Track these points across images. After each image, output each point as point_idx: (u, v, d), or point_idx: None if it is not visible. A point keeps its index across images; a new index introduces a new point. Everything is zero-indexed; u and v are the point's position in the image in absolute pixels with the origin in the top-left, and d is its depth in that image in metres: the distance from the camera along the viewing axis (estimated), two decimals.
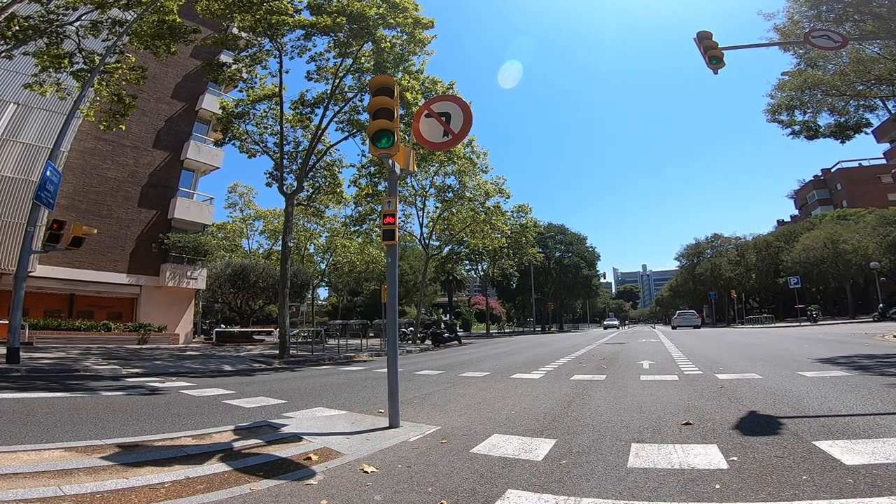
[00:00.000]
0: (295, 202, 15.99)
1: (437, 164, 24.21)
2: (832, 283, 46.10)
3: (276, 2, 13.92)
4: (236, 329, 27.87)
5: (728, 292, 54.05)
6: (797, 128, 14.88)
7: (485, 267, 43.45)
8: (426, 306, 44.82)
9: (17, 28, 11.73)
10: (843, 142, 14.79)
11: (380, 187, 19.98)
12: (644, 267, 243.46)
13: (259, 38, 15.40)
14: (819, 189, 65.42)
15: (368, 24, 14.44)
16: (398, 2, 14.48)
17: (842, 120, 14.46)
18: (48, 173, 10.60)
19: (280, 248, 20.99)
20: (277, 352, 14.77)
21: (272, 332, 27.94)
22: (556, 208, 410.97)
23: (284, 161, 16.43)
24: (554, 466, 3.02)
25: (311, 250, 43.18)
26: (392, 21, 14.71)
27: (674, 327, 38.02)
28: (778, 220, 76.61)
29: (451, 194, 26.72)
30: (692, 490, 2.50)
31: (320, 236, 41.83)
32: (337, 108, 16.63)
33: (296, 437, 3.98)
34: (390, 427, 4.26)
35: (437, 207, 27.74)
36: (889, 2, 11.81)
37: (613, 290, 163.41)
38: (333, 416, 5.06)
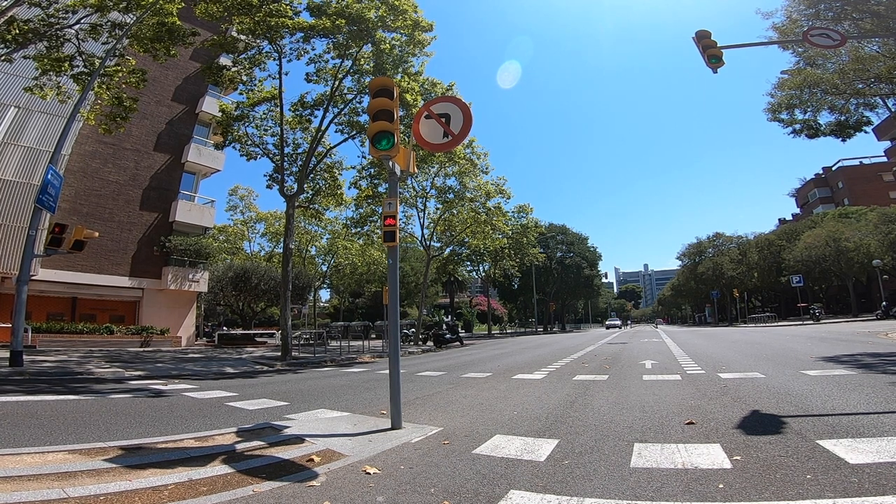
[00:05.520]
0: (296, 204, 16.00)
1: (437, 166, 24.25)
2: (835, 281, 46.00)
3: (275, 4, 13.94)
4: (238, 331, 27.88)
5: (730, 291, 53.99)
6: (798, 126, 14.84)
7: (486, 268, 43.44)
8: (428, 307, 44.83)
9: (17, 31, 11.76)
10: (843, 140, 14.76)
11: (380, 189, 19.99)
12: (646, 266, 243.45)
13: (258, 41, 15.42)
14: (820, 187, 65.36)
15: (368, 26, 14.46)
16: (397, 4, 14.50)
17: (842, 118, 14.42)
18: (49, 177, 10.63)
19: (281, 251, 21.02)
20: (279, 354, 14.78)
21: (274, 334, 27.97)
22: (557, 208, 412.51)
23: (285, 163, 16.44)
24: (556, 467, 3.02)
25: (313, 252, 43.27)
26: (392, 24, 14.73)
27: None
28: (779, 219, 76.61)
29: (451, 195, 26.76)
30: (695, 490, 2.49)
31: (321, 238, 41.91)
32: (336, 110, 16.64)
33: (298, 439, 3.98)
34: (392, 428, 4.26)
35: (437, 208, 27.79)
36: (887, 0, 11.80)
37: (615, 290, 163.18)
38: (335, 417, 5.06)
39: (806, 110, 14.70)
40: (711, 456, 3.03)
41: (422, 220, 27.49)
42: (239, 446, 3.76)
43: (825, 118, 14.71)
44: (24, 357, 10.05)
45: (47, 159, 15.51)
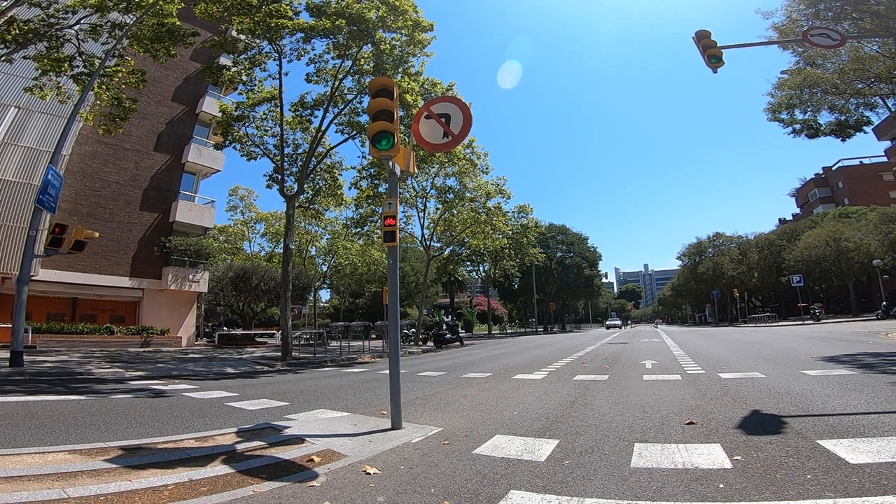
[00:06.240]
0: (296, 204, 16.01)
1: (437, 166, 24.25)
2: (835, 281, 45.99)
3: (275, 4, 13.94)
4: (238, 332, 27.88)
5: (730, 291, 53.99)
6: (798, 126, 14.83)
7: (486, 268, 43.45)
8: (428, 307, 44.83)
9: (17, 32, 11.76)
10: (843, 140, 14.75)
11: (380, 189, 19.99)
12: (646, 266, 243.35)
13: (258, 41, 15.43)
14: (820, 187, 65.36)
15: (368, 26, 14.46)
16: (398, 4, 14.49)
17: (842, 118, 14.41)
18: (50, 177, 10.63)
19: (281, 251, 21.02)
20: (280, 354, 14.78)
21: (274, 334, 27.96)
22: (557, 208, 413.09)
23: (285, 163, 16.44)
24: (557, 467, 3.02)
25: (313, 252, 43.25)
26: (392, 24, 14.73)
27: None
28: (780, 219, 76.58)
29: (451, 195, 26.77)
30: (696, 490, 2.49)
31: (321, 238, 41.91)
32: (337, 110, 16.64)
33: (298, 439, 3.98)
34: (393, 428, 4.26)
35: (437, 208, 27.80)
36: (887, 0, 11.80)
37: (615, 290, 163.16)
38: (336, 417, 5.06)
39: (806, 110, 14.69)
40: (712, 456, 3.03)
41: (422, 220, 27.52)
42: (239, 446, 3.76)
43: (825, 118, 14.72)
44: (25, 357, 10.05)
45: (47, 159, 15.52)
